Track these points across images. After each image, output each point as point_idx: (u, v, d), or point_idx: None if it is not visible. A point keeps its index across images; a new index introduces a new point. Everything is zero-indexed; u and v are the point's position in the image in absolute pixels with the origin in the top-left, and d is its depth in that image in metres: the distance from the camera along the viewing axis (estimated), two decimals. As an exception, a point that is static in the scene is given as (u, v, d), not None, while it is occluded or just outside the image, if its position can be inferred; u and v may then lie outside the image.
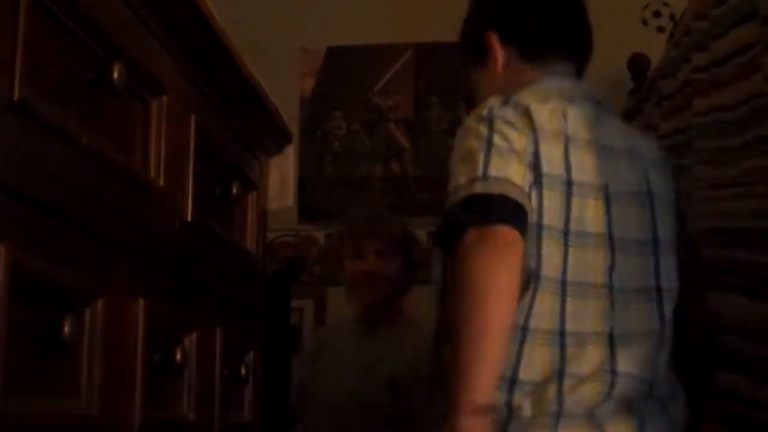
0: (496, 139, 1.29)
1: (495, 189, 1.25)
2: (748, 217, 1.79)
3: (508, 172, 1.26)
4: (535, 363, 1.27)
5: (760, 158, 1.74)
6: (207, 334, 1.32)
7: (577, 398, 1.27)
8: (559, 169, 1.31)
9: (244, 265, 1.56)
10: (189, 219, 1.25)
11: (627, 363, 1.31)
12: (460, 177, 1.28)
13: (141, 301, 1.06)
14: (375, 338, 2.40)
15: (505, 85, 1.43)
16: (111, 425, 0.98)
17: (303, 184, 3.30)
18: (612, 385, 1.29)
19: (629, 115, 2.78)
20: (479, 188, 1.25)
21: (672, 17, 3.10)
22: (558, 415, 1.27)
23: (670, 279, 1.40)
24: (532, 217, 1.27)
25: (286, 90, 3.11)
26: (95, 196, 0.97)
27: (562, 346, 1.27)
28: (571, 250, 1.29)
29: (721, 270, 1.89)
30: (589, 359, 1.29)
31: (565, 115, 1.35)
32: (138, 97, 1.10)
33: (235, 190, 1.42)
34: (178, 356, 1.15)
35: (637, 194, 1.40)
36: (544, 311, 1.27)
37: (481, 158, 1.27)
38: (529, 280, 1.27)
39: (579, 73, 1.53)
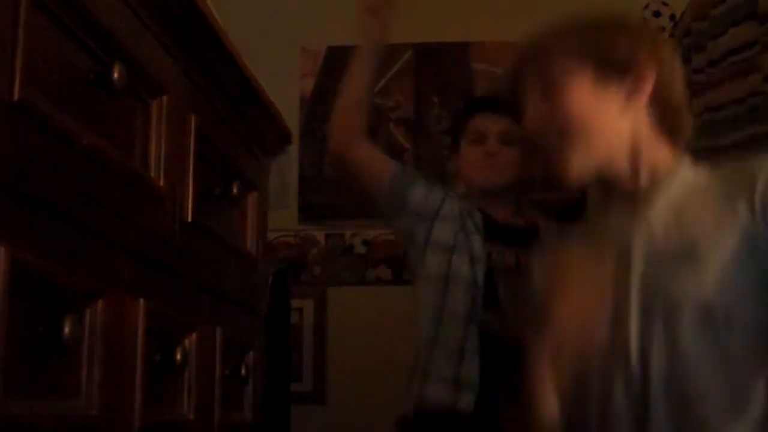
0: None
1: None
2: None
3: None
4: None
5: (753, 159, 1.74)
6: (207, 334, 1.32)
7: None
8: None
9: (244, 265, 1.56)
10: (189, 219, 1.25)
11: None
12: None
13: (141, 301, 1.06)
14: None
15: None
16: (111, 425, 0.98)
17: (303, 184, 3.30)
18: None
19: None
20: None
21: (672, 17, 3.10)
22: None
23: None
24: None
25: (286, 90, 3.11)
26: (95, 196, 0.97)
27: None
28: None
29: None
30: None
31: None
32: (138, 97, 1.10)
33: (235, 190, 1.42)
34: (178, 356, 1.15)
35: None
36: None
37: None
38: None
39: None
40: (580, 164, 1.24)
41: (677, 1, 2.89)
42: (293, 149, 3.23)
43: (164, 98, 1.15)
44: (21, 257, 0.79)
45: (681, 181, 1.26)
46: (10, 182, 0.80)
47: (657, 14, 3.23)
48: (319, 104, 3.40)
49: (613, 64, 1.24)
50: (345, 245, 3.31)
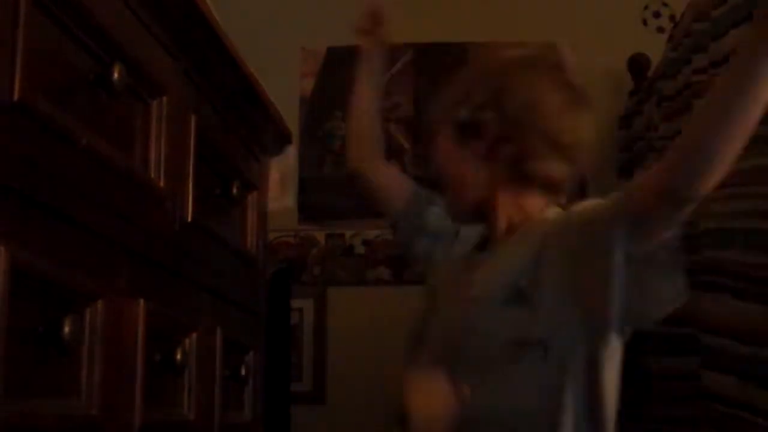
0: None
1: None
2: (740, 217, 1.80)
3: None
4: None
5: (752, 159, 1.74)
6: (207, 334, 1.32)
7: None
8: None
9: (244, 265, 1.56)
10: (189, 219, 1.25)
11: None
12: None
13: (141, 301, 1.06)
14: None
15: None
16: (111, 425, 0.98)
17: (303, 184, 3.30)
18: None
19: (629, 116, 2.78)
20: None
21: (672, 17, 3.09)
22: None
23: None
24: None
25: (286, 90, 3.10)
26: (95, 196, 0.97)
27: None
28: None
29: (714, 271, 1.90)
30: None
31: None
32: (138, 97, 1.10)
33: (235, 190, 1.42)
34: (178, 356, 1.15)
35: None
36: None
37: None
38: None
39: None
40: (456, 208, 1.39)
41: (677, 2, 2.88)
42: (293, 149, 3.23)
43: (164, 98, 1.15)
44: (21, 257, 0.79)
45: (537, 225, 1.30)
46: (10, 182, 0.80)
47: (657, 15, 3.23)
48: (318, 104, 3.40)
49: (462, 128, 1.34)
50: (345, 245, 3.31)
